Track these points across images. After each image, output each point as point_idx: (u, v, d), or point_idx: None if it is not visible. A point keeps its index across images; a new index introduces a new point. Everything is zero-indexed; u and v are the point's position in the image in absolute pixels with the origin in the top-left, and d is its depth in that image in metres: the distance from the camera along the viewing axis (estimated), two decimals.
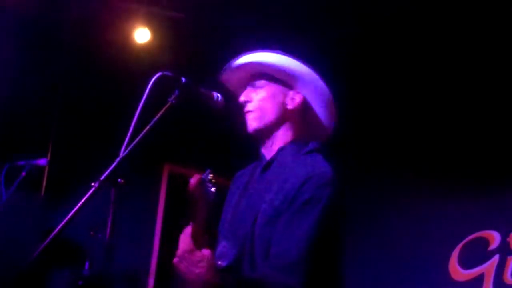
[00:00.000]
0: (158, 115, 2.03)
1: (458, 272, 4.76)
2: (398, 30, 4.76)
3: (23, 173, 4.05)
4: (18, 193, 4.00)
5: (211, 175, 2.09)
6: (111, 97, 5.31)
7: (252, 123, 2.27)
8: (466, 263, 4.75)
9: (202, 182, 2.04)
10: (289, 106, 2.27)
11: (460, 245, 4.80)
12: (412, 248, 5.01)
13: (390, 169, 5.18)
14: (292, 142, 2.27)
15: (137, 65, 5.10)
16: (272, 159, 2.28)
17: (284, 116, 2.27)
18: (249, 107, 2.27)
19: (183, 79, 2.08)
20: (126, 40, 5.25)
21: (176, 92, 2.08)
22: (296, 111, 2.28)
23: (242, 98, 2.28)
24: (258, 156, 2.40)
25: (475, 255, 4.70)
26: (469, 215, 4.81)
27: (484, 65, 4.71)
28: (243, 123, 2.32)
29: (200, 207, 2.00)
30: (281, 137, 2.28)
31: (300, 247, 1.99)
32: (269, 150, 2.30)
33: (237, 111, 2.33)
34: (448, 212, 4.89)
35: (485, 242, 4.70)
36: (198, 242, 2.02)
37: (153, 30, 5.23)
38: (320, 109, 2.31)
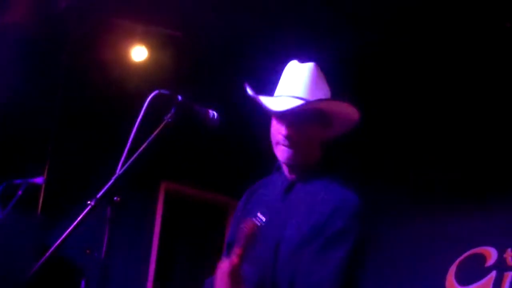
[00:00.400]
0: (155, 133, 2.04)
1: None
2: (412, 42, 4.77)
3: (20, 192, 4.05)
4: (15, 212, 4.00)
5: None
6: (108, 115, 5.33)
7: (296, 157, 2.23)
8: (463, 279, 4.74)
9: (257, 228, 2.05)
10: (323, 140, 2.30)
11: (457, 261, 4.80)
12: (409, 264, 5.01)
13: (387, 186, 5.19)
14: (317, 164, 2.28)
15: (134, 83, 5.12)
16: (296, 180, 2.28)
17: (319, 147, 2.30)
18: (297, 141, 2.21)
19: (179, 97, 2.09)
20: (124, 58, 5.28)
21: (172, 110, 2.09)
22: (327, 141, 2.32)
23: (292, 132, 2.21)
24: (271, 170, 2.40)
25: (472, 271, 4.70)
26: (466, 231, 4.81)
27: (484, 85, 4.73)
28: (248, 141, 2.32)
29: (245, 248, 2.00)
30: (307, 161, 2.28)
31: (332, 280, 2.01)
32: (292, 170, 2.30)
33: (233, 128, 2.32)
34: (445, 229, 4.90)
35: (482, 258, 4.70)
36: (236, 279, 2.03)
37: (150, 48, 5.26)
38: (343, 130, 2.35)
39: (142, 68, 5.30)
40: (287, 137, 2.20)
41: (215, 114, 2.18)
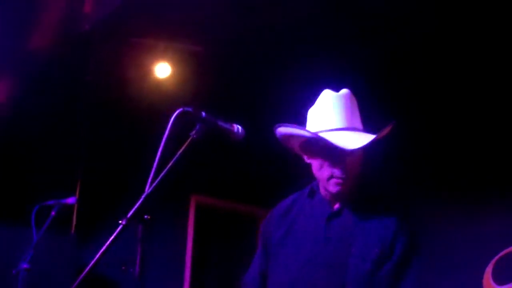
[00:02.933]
0: (181, 150, 2.06)
1: None
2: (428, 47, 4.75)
3: (53, 213, 4.10)
4: (49, 233, 4.05)
5: None
6: (135, 133, 5.37)
7: (350, 188, 2.27)
8: (500, 278, 4.68)
9: None
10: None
11: (493, 261, 4.75)
12: (445, 265, 4.96)
13: (421, 187, 5.14)
14: (359, 188, 2.30)
15: (159, 100, 5.16)
16: (342, 208, 2.30)
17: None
18: (353, 173, 2.26)
19: (203, 114, 2.11)
20: (147, 75, 5.32)
21: (197, 126, 2.11)
22: None
23: (351, 166, 2.24)
24: (293, 190, 2.45)
25: (509, 269, 4.64)
26: (501, 230, 4.75)
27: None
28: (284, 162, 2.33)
29: None
30: (354, 188, 2.31)
31: None
32: (338, 199, 2.32)
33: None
34: (479, 228, 4.84)
35: None
36: None
37: (173, 65, 5.29)
38: None
39: (166, 84, 5.33)
40: (346, 170, 2.23)
41: (240, 128, 2.20)
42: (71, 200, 4.26)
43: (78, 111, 5.43)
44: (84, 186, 5.31)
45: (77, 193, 5.24)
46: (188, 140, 2.09)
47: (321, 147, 2.24)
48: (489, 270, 4.75)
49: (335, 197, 2.30)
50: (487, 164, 4.87)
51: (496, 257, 4.74)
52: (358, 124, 2.29)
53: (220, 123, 2.15)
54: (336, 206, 2.31)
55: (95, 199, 5.18)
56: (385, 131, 2.24)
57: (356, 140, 2.19)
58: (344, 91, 2.31)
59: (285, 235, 2.38)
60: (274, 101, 4.98)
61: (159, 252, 5.53)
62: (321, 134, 2.23)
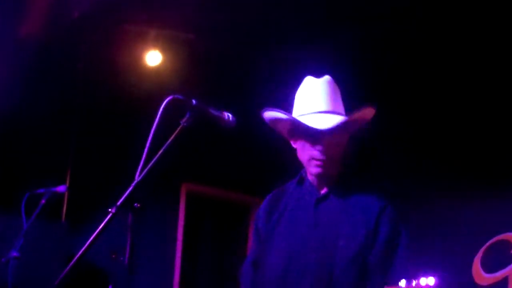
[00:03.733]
0: (171, 138, 2.05)
1: (481, 277, 4.73)
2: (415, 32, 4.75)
3: (43, 201, 4.09)
4: (39, 221, 4.04)
5: None
6: (125, 121, 5.35)
7: (331, 169, 2.36)
8: (489, 266, 4.71)
9: None
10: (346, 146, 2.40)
11: (483, 249, 4.77)
12: (434, 254, 4.98)
13: (408, 175, 5.16)
14: (345, 173, 2.41)
15: (149, 88, 5.14)
16: (328, 192, 2.39)
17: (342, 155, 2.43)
18: (332, 154, 2.34)
19: (194, 101, 2.11)
20: (138, 63, 5.30)
21: (188, 114, 2.11)
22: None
23: (329, 146, 2.32)
24: (288, 179, 2.50)
25: (498, 258, 4.67)
26: (490, 218, 4.77)
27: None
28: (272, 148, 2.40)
29: None
30: (337, 171, 2.40)
31: (402, 268, 2.23)
32: (323, 182, 2.40)
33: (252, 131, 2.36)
34: (469, 216, 4.86)
35: (507, 244, 4.66)
36: None
37: (164, 53, 5.27)
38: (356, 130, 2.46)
39: (157, 72, 5.32)
40: (324, 151, 2.31)
41: (230, 115, 2.20)
42: (61, 188, 4.25)
43: (69, 99, 5.40)
44: (74, 174, 5.29)
45: (67, 181, 5.23)
46: (179, 128, 2.09)
47: (300, 130, 2.34)
48: (478, 258, 4.78)
49: (319, 179, 2.39)
50: (479, 152, 4.88)
51: (485, 246, 4.77)
52: (338, 108, 2.37)
53: (211, 110, 2.15)
54: (323, 190, 2.39)
55: (86, 187, 5.17)
56: (359, 113, 2.34)
57: (329, 121, 2.28)
58: (325, 77, 2.41)
59: (276, 222, 2.44)
60: (265, 88, 4.97)
61: (150, 240, 5.52)
62: (298, 117, 2.33)
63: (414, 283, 1.96)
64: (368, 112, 2.38)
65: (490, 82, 4.79)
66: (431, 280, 1.98)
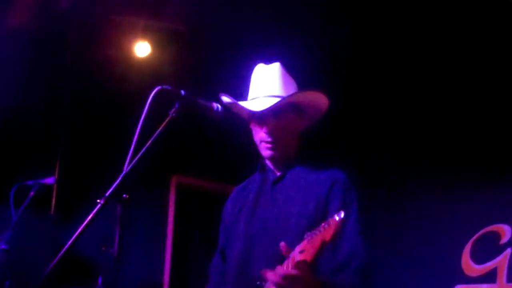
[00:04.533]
0: (160, 128, 2.05)
1: (471, 268, 4.75)
2: (397, 28, 4.77)
3: (32, 193, 4.07)
4: (28, 213, 4.02)
5: None
6: (115, 112, 5.34)
7: (279, 150, 2.42)
8: (478, 258, 4.73)
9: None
10: (300, 130, 2.49)
11: (472, 240, 4.79)
12: (424, 245, 4.99)
13: (398, 165, 5.16)
14: (298, 156, 2.47)
15: (138, 79, 5.13)
16: (283, 174, 2.44)
17: (297, 138, 2.50)
18: (278, 135, 2.40)
19: (182, 92, 2.10)
20: (127, 54, 5.28)
21: (176, 105, 2.10)
22: (302, 131, 2.50)
23: (273, 127, 2.39)
24: (256, 168, 2.57)
25: (487, 249, 4.68)
26: (479, 210, 4.79)
27: (492, 60, 4.70)
28: (248, 136, 2.43)
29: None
30: (289, 152, 2.45)
31: (358, 242, 2.23)
32: (277, 165, 2.47)
33: (237, 120, 2.39)
34: (458, 207, 4.87)
35: (497, 236, 4.68)
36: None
37: (153, 44, 5.26)
38: (316, 117, 2.53)
39: (146, 63, 5.30)
40: (269, 133, 2.38)
41: (219, 106, 2.20)
42: (50, 180, 4.23)
43: (57, 91, 5.38)
44: (63, 166, 5.27)
45: (56, 173, 5.21)
46: (167, 119, 2.08)
47: (247, 114, 2.45)
48: (467, 250, 4.80)
49: (273, 162, 2.46)
50: (469, 142, 4.89)
51: (474, 237, 4.79)
52: (285, 92, 2.42)
53: (200, 101, 2.15)
54: (279, 172, 2.45)
55: (74, 179, 5.16)
56: (298, 96, 2.41)
57: (267, 103, 2.35)
58: (274, 64, 2.50)
59: (240, 210, 2.52)
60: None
61: (140, 232, 5.52)
62: (244, 102, 2.44)
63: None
64: (315, 96, 2.44)
65: (475, 73, 4.80)
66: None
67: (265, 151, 2.42)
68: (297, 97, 2.42)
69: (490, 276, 4.62)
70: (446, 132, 5.03)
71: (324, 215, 2.25)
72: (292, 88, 2.47)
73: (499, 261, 4.61)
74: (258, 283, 2.18)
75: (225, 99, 2.46)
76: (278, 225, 2.31)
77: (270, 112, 2.36)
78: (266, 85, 2.44)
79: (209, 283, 2.62)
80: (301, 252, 2.02)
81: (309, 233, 2.02)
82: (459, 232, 4.85)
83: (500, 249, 4.63)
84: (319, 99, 2.45)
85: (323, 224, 1.99)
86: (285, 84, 2.44)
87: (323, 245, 1.97)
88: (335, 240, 1.99)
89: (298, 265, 2.02)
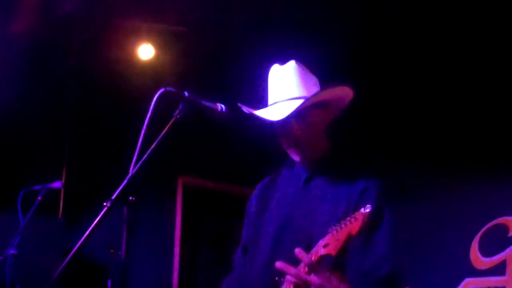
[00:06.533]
0: (164, 130, 2.05)
1: (479, 260, 4.75)
2: (404, 25, 4.75)
3: (39, 197, 4.09)
4: (36, 217, 4.04)
5: None
6: (119, 115, 5.35)
7: (309, 153, 2.36)
8: (487, 251, 4.73)
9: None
10: (327, 123, 2.40)
11: (480, 233, 4.78)
12: (432, 239, 4.99)
13: (406, 159, 5.15)
14: (329, 156, 2.38)
15: (143, 82, 5.13)
16: (314, 174, 2.37)
17: (324, 135, 2.40)
18: (305, 138, 2.33)
19: (186, 93, 2.10)
20: (131, 57, 5.29)
21: (180, 106, 2.11)
22: (329, 125, 2.41)
23: (299, 131, 2.31)
24: (282, 163, 2.50)
25: (495, 242, 4.68)
26: (487, 203, 4.79)
27: (497, 58, 4.69)
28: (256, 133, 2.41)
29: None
30: (319, 151, 2.38)
31: (387, 256, 2.18)
32: (309, 166, 2.39)
33: (243, 120, 2.37)
34: (466, 201, 4.88)
35: (505, 228, 4.68)
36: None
37: (157, 46, 5.26)
38: (341, 107, 2.43)
39: (149, 66, 5.31)
40: (296, 138, 2.31)
41: (223, 107, 2.20)
42: (57, 184, 4.26)
43: (63, 95, 5.39)
44: (70, 170, 5.29)
45: (63, 177, 5.22)
46: (172, 120, 2.09)
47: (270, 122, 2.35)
48: (475, 243, 4.79)
49: (303, 163, 2.39)
50: (475, 136, 4.88)
51: (483, 230, 4.78)
52: (304, 91, 2.33)
53: (203, 102, 2.15)
54: (310, 172, 2.39)
55: (81, 183, 5.17)
56: (317, 96, 2.30)
57: (287, 109, 2.26)
58: (289, 63, 2.39)
59: (266, 205, 2.46)
60: (260, 80, 4.96)
61: (148, 234, 5.54)
62: (260, 110, 2.36)
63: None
64: (340, 91, 2.36)
65: (480, 69, 4.80)
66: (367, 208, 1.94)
67: (295, 156, 2.36)
68: (319, 96, 2.32)
69: (500, 269, 4.62)
70: (453, 126, 5.03)
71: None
72: (313, 85, 2.39)
73: (508, 254, 4.60)
74: (276, 278, 2.16)
75: (245, 109, 2.39)
76: (306, 224, 2.26)
77: (293, 118, 2.28)
78: (284, 88, 2.35)
79: (232, 274, 2.57)
80: (325, 246, 1.99)
81: (333, 227, 1.99)
82: (468, 225, 4.85)
83: (508, 242, 4.63)
84: (343, 92, 2.37)
85: (348, 218, 1.96)
86: (304, 83, 2.36)
87: (349, 239, 1.94)
88: (362, 234, 1.96)
89: (321, 259, 1.99)
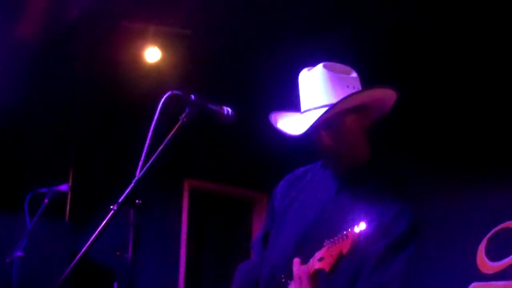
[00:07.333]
0: (171, 134, 2.05)
1: (486, 265, 4.73)
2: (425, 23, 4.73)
3: (46, 200, 4.10)
4: (43, 220, 4.05)
5: None
6: (126, 119, 5.36)
7: (342, 163, 2.23)
8: (493, 255, 4.71)
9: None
10: (366, 127, 2.26)
11: (487, 237, 4.77)
12: (439, 244, 4.98)
13: (413, 161, 5.13)
14: (366, 164, 2.26)
15: (149, 85, 5.14)
16: (347, 181, 2.25)
17: (364, 141, 2.27)
18: (338, 148, 2.20)
19: (192, 97, 2.10)
20: (137, 60, 5.30)
21: (187, 109, 2.10)
22: (370, 129, 2.28)
23: (330, 142, 2.18)
24: (314, 159, 2.40)
25: (502, 246, 4.66)
26: (493, 207, 4.77)
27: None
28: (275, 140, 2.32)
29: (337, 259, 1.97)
30: (357, 158, 2.25)
31: (397, 280, 2.07)
32: (342, 172, 2.27)
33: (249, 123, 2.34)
34: (472, 205, 4.86)
35: (511, 232, 4.66)
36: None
37: (164, 49, 5.27)
38: (383, 110, 2.30)
39: (156, 69, 5.32)
40: (327, 148, 2.19)
41: (230, 110, 2.19)
42: (64, 187, 4.26)
43: (69, 98, 5.41)
44: (76, 172, 5.30)
45: (70, 180, 5.24)
46: (178, 124, 2.09)
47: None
48: (482, 247, 4.78)
49: (339, 172, 2.26)
50: (482, 140, 4.87)
51: (489, 234, 4.77)
52: (333, 97, 2.16)
53: (210, 105, 2.15)
54: (345, 179, 2.26)
55: (88, 185, 5.19)
56: (345, 102, 2.13)
57: (307, 121, 2.13)
58: (317, 67, 2.23)
59: (292, 201, 2.37)
60: (266, 83, 4.97)
61: (155, 237, 5.54)
62: (284, 120, 2.25)
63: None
64: (376, 94, 2.20)
65: (486, 74, 4.79)
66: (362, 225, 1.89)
67: (327, 164, 2.26)
68: (348, 102, 2.14)
69: (507, 273, 4.60)
70: (459, 131, 5.02)
71: (382, 239, 2.09)
72: (345, 89, 2.18)
73: None
74: (283, 280, 2.14)
75: (273, 120, 2.27)
76: (331, 234, 2.10)
77: (319, 128, 2.14)
78: (311, 95, 2.19)
79: (248, 262, 2.52)
80: (320, 259, 1.97)
81: (328, 241, 1.96)
82: (474, 230, 4.83)
83: None
84: (382, 94, 2.20)
85: (344, 232, 1.92)
86: (332, 88, 2.17)
87: (340, 258, 1.91)
88: (352, 255, 1.91)
89: (316, 272, 1.98)
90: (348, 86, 2.20)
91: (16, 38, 4.83)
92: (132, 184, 1.93)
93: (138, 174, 1.95)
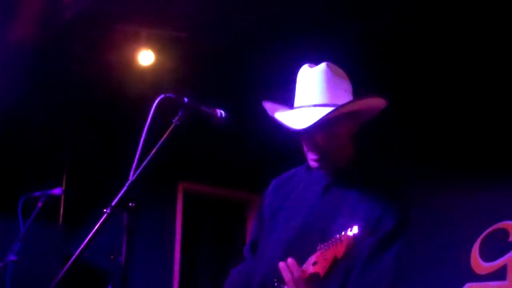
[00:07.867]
0: (164, 136, 2.05)
1: (480, 266, 4.74)
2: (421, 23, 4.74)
3: (40, 204, 4.09)
4: (36, 224, 4.04)
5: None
6: (119, 121, 5.35)
7: (328, 163, 2.23)
8: (487, 255, 4.72)
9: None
10: (353, 132, 2.28)
11: (480, 238, 4.78)
12: (433, 244, 4.99)
13: (408, 162, 5.14)
14: (352, 163, 2.27)
15: (143, 88, 5.14)
16: (333, 181, 2.26)
17: (350, 143, 2.29)
18: (327, 148, 2.20)
19: (185, 99, 2.10)
20: (131, 63, 5.30)
21: (180, 112, 2.10)
22: (355, 134, 2.29)
23: (321, 141, 2.19)
24: (299, 163, 2.40)
25: (495, 247, 4.68)
26: (487, 207, 4.78)
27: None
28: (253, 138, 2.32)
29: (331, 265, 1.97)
30: (341, 161, 2.26)
31: (388, 276, 2.09)
32: (327, 172, 2.28)
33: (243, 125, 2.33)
34: (466, 205, 4.87)
35: (505, 233, 4.68)
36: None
37: (157, 52, 5.27)
38: (371, 116, 2.31)
39: (150, 71, 5.32)
40: (316, 147, 2.20)
41: (223, 112, 2.19)
42: (57, 191, 4.26)
43: (63, 101, 5.40)
44: (70, 176, 5.29)
45: (63, 183, 5.23)
46: (171, 126, 2.08)
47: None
48: (476, 247, 4.79)
49: (323, 170, 2.27)
50: (477, 142, 4.88)
51: (483, 235, 4.78)
52: (331, 99, 2.18)
53: (203, 108, 2.15)
54: (328, 180, 2.27)
55: (82, 189, 5.17)
56: (346, 107, 2.16)
57: (311, 117, 2.13)
58: (320, 66, 2.23)
59: (281, 205, 2.37)
60: (259, 86, 4.97)
61: (149, 240, 5.53)
62: (281, 113, 2.23)
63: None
64: (372, 102, 2.22)
65: (486, 74, 4.80)
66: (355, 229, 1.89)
67: (312, 163, 2.23)
68: (349, 107, 2.16)
69: (500, 274, 4.62)
70: (453, 130, 5.03)
71: (371, 237, 2.10)
72: (342, 91, 2.21)
73: (509, 258, 4.60)
74: (276, 284, 2.13)
75: (268, 110, 2.27)
76: (319, 234, 2.14)
77: (315, 127, 2.13)
78: (310, 92, 2.19)
79: (240, 266, 2.50)
80: (314, 264, 1.97)
81: (322, 244, 1.96)
82: (468, 230, 4.84)
83: (509, 246, 4.62)
84: (375, 102, 2.22)
85: (338, 235, 1.92)
86: (332, 89, 2.19)
87: (335, 262, 1.91)
88: (346, 259, 1.91)
89: (311, 277, 1.97)
90: (345, 91, 2.23)
91: (10, 40, 4.83)
92: (125, 187, 1.93)
93: (131, 177, 1.95)
